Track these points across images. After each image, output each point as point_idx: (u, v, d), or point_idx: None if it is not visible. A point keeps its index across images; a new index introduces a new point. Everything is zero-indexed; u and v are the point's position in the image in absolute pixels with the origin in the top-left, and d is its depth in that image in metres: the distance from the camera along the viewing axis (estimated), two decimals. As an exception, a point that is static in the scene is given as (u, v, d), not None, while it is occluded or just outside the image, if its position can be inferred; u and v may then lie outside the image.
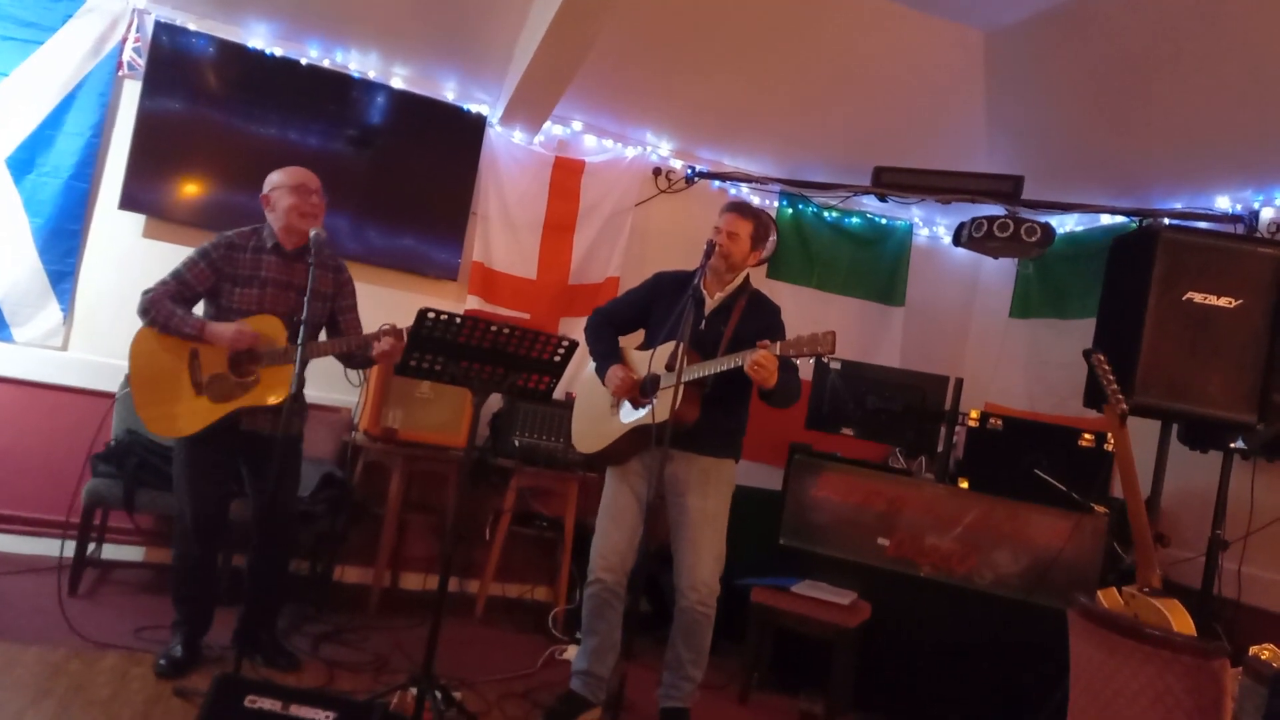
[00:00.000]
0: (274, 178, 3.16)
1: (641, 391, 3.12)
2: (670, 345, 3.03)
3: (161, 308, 3.02)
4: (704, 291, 3.17)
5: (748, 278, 3.25)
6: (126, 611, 3.53)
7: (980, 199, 4.58)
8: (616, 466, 3.22)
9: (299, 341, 2.81)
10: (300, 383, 2.95)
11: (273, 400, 2.99)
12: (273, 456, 2.87)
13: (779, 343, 2.83)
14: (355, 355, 3.15)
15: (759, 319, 3.13)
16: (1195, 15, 3.64)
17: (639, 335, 3.35)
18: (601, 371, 3.22)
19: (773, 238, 5.14)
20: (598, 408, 3.26)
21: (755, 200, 5.18)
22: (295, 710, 2.44)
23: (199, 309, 3.15)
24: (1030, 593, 3.61)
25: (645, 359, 3.12)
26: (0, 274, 3.98)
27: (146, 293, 3.05)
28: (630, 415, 3.13)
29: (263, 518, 3.15)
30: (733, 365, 2.88)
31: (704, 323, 3.13)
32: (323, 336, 3.26)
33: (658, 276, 3.35)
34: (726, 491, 3.18)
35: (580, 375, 3.42)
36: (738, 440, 3.25)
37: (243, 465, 3.19)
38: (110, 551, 4.08)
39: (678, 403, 2.80)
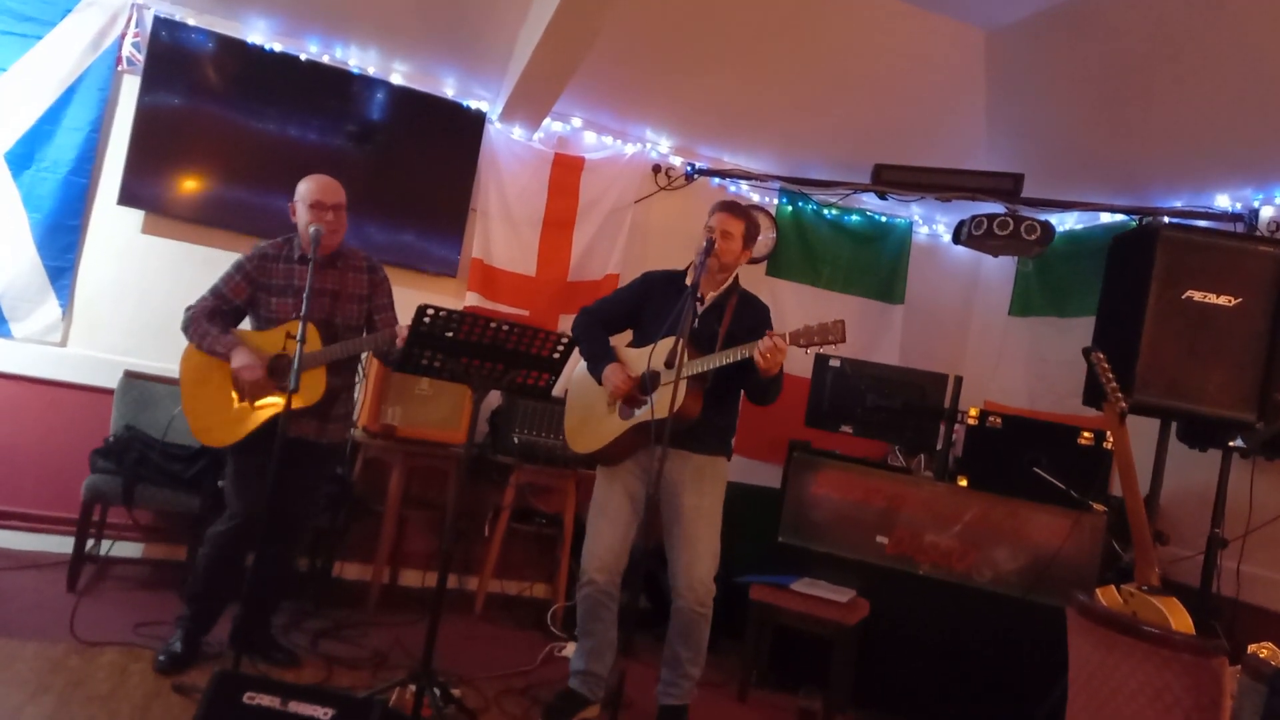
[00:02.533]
0: (299, 188, 3.18)
1: (641, 389, 3.11)
2: (668, 342, 3.03)
3: (198, 327, 3.08)
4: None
5: (737, 277, 3.26)
6: (125, 607, 3.53)
7: (980, 197, 4.57)
8: (610, 466, 3.22)
9: (300, 339, 2.80)
10: (333, 386, 3.08)
11: (308, 403, 3.02)
12: (313, 461, 2.97)
13: (789, 332, 2.83)
14: (390, 352, 3.16)
15: (750, 317, 3.15)
16: (1195, 14, 3.64)
17: (627, 335, 3.35)
18: (596, 371, 3.20)
19: (771, 235, 5.14)
20: (593, 407, 3.25)
21: (755, 198, 5.18)
22: (294, 707, 2.44)
23: (247, 322, 3.21)
24: (1029, 590, 3.61)
25: (639, 357, 3.12)
26: (-1, 269, 3.98)
27: (189, 309, 3.11)
28: (630, 412, 3.13)
29: (275, 517, 3.14)
30: (741, 356, 2.88)
31: (698, 320, 3.13)
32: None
33: (646, 276, 3.35)
34: (720, 489, 3.18)
35: (571, 375, 3.42)
36: (729, 438, 3.26)
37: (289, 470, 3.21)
38: (109, 547, 4.07)
39: (680, 398, 2.80)
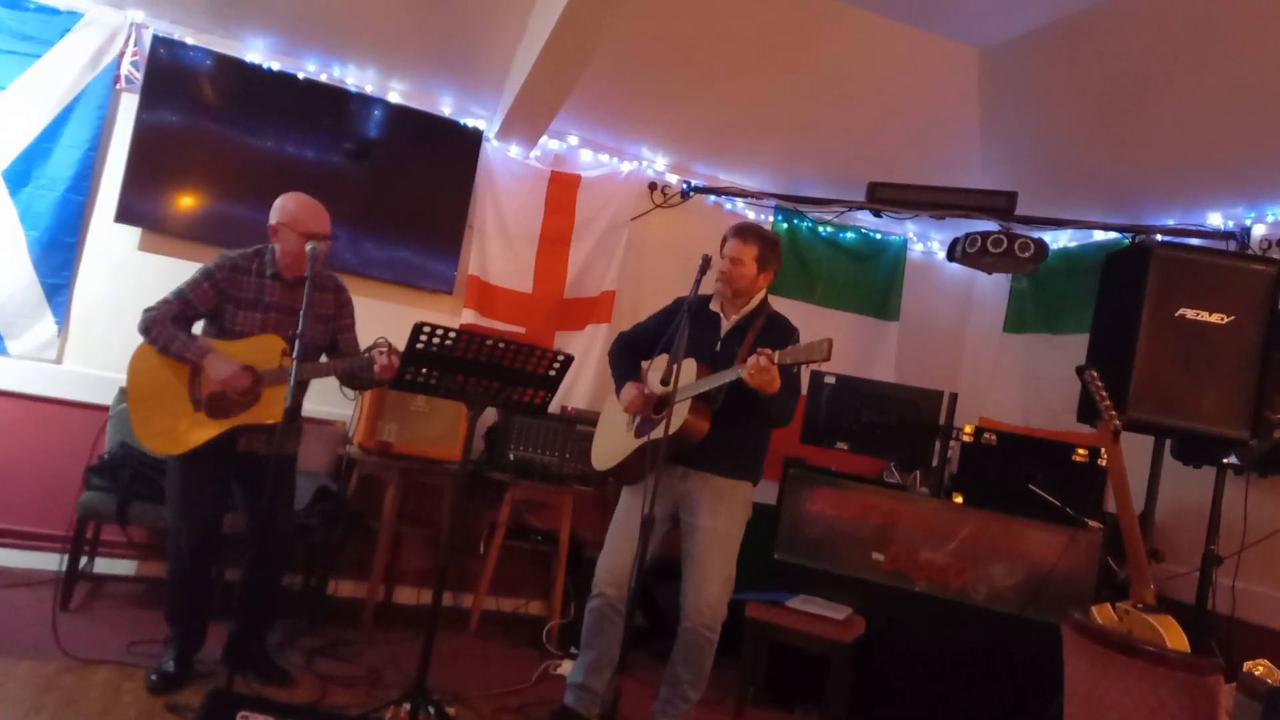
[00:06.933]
0: (286, 209, 3.12)
1: (655, 410, 3.13)
2: (684, 364, 3.04)
3: (163, 330, 3.01)
4: (720, 313, 3.21)
5: (765, 299, 3.25)
6: (119, 626, 3.51)
7: (974, 214, 4.60)
8: (633, 484, 3.22)
9: (295, 358, 2.81)
10: (296, 402, 2.95)
11: (271, 419, 2.98)
12: (267, 475, 2.85)
13: (777, 352, 2.83)
14: (358, 375, 3.15)
15: (774, 339, 3.08)
16: (1188, 33, 3.68)
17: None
18: (617, 391, 3.27)
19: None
20: (616, 425, 3.29)
21: (750, 215, 5.20)
22: (288, 725, 2.43)
23: (198, 327, 3.17)
24: (1025, 608, 3.61)
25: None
26: (-5, 286, 3.98)
27: (148, 311, 3.05)
28: (645, 430, 3.15)
29: (257, 535, 3.13)
30: (732, 377, 2.88)
31: (719, 344, 3.15)
32: (324, 359, 3.27)
33: (678, 301, 3.34)
34: (740, 514, 3.14)
35: (609, 395, 3.46)
36: (756, 462, 3.21)
37: (236, 483, 3.19)
38: (103, 565, 4.06)
39: (681, 419, 2.82)
